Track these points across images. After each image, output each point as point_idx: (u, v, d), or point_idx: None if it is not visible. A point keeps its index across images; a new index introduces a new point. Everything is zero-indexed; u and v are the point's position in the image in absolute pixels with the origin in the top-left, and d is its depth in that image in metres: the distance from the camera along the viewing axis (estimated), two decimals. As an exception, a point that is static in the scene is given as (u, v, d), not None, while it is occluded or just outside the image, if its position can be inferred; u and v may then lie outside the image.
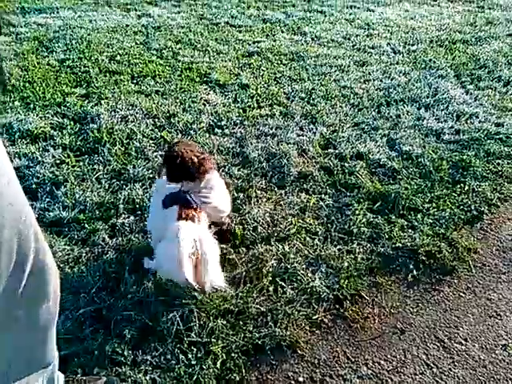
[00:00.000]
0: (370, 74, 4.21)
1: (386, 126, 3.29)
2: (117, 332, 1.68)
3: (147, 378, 1.55)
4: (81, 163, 2.71)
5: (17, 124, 3.02)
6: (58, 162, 2.72)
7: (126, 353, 1.62)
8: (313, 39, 5.08)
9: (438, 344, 1.75)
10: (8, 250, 0.93)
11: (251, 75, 4.08)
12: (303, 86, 3.91)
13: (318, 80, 4.05)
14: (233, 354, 1.65)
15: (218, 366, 1.60)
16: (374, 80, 4.07)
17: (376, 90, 3.90)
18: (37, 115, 3.16)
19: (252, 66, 4.29)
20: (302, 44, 4.91)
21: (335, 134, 3.16)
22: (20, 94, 3.45)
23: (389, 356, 1.70)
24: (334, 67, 4.31)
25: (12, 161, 2.65)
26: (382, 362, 1.68)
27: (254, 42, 4.88)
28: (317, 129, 3.22)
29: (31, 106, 3.29)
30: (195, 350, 1.65)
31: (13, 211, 0.93)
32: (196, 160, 1.84)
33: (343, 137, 3.12)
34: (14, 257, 0.95)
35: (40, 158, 2.72)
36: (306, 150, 2.96)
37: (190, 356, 1.62)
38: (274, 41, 4.96)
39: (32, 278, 1.03)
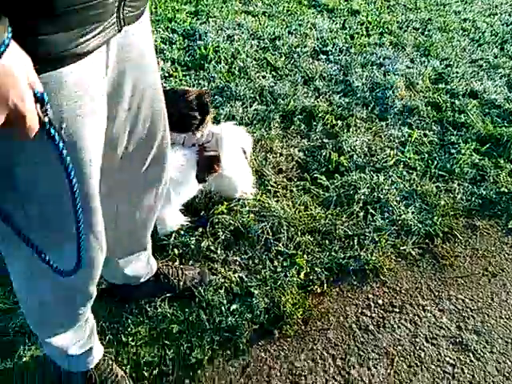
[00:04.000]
0: (497, 6, 3.79)
1: (508, 64, 2.99)
2: (212, 232, 1.81)
3: (236, 275, 1.67)
4: (187, 77, 2.80)
5: (131, 35, 3.16)
6: (166, 74, 2.84)
7: (218, 251, 1.75)
8: (437, -35, 4.62)
9: (532, 292, 1.68)
10: (142, 123, 1.02)
11: (363, 1, 3.85)
12: (419, 15, 3.63)
13: (436, 10, 3.73)
14: (316, 269, 1.71)
15: (302, 276, 1.68)
16: (500, 14, 3.66)
17: (502, 24, 3.52)
18: (149, 28, 3.28)
19: (365, -9, 4.03)
20: (424, -30, 4.49)
21: (449, 68, 2.94)
22: (135, 7, 3.58)
23: (475, 296, 1.67)
24: (456, -3, 3.93)
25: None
26: (467, 301, 1.65)
27: (370, -34, 4.54)
28: (429, 62, 3.01)
29: (145, 19, 3.41)
30: (281, 258, 1.73)
31: (152, 92, 1.01)
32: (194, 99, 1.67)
33: (457, 72, 2.89)
34: (145, 132, 1.05)
35: (150, 70, 2.85)
36: (415, 83, 2.79)
37: (276, 263, 1.71)
38: (393, -35, 4.58)
39: (154, 161, 1.12)
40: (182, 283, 1.60)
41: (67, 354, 1.25)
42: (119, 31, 0.81)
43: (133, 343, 1.48)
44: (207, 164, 1.76)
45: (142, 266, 1.49)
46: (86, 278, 1.08)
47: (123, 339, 1.48)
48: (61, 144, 0.70)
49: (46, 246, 0.85)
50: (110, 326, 1.51)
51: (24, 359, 1.42)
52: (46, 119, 0.67)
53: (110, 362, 1.37)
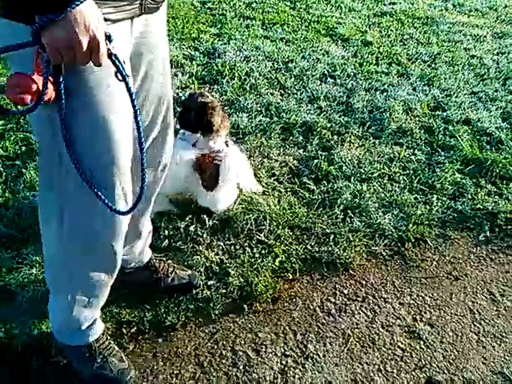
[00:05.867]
0: (506, 46, 3.96)
1: (506, 98, 3.14)
2: (201, 220, 2.01)
3: (217, 257, 1.85)
4: (202, 89, 3.06)
5: (157, 50, 3.47)
6: (183, 86, 3.11)
7: (204, 235, 1.94)
8: (454, 6, 4.85)
9: (488, 296, 1.79)
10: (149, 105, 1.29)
11: (378, 34, 4.10)
12: (429, 49, 3.83)
13: (447, 46, 3.93)
14: (291, 258, 1.88)
15: (277, 263, 1.84)
16: (508, 53, 3.82)
17: (508, 62, 3.67)
18: (173, 45, 3.58)
19: (381, 25, 4.28)
20: (441, 10, 4.73)
21: (448, 98, 3.11)
22: (164, 26, 3.92)
23: (435, 294, 1.80)
24: (468, 36, 4.13)
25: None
26: (427, 298, 1.78)
27: (390, 3, 4.82)
28: (430, 91, 3.19)
29: (170, 37, 3.73)
30: (260, 247, 1.91)
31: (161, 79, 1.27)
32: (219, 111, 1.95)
33: (456, 102, 3.06)
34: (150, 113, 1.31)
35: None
36: (413, 108, 2.97)
37: (255, 250, 1.89)
38: (412, 4, 4.84)
39: (154, 142, 1.36)
40: (169, 280, 1.69)
41: (72, 326, 1.38)
42: (140, 15, 1.09)
43: (116, 304, 1.66)
44: (215, 173, 1.96)
45: (132, 256, 1.61)
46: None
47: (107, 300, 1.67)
48: (124, 73, 0.98)
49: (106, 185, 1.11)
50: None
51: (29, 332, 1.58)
52: (114, 51, 0.94)
53: (108, 337, 1.51)
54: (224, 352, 1.56)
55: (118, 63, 0.96)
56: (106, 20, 0.94)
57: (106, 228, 1.22)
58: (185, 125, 1.97)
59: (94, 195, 1.10)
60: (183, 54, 3.49)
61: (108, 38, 0.92)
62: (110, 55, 0.94)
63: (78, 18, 0.84)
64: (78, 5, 0.83)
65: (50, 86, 0.92)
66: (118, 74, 0.98)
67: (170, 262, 1.78)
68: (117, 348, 1.49)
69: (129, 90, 1.01)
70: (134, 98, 1.02)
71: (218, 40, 3.75)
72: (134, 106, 1.04)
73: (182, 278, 1.72)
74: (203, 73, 3.26)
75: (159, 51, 1.24)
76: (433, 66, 3.58)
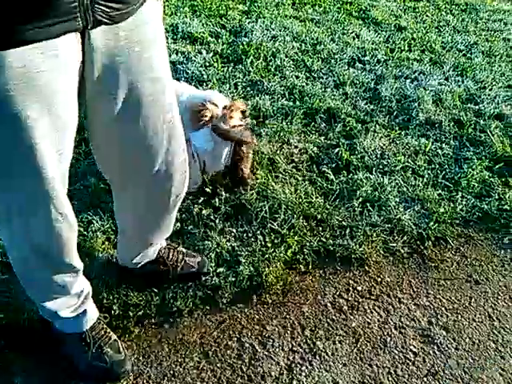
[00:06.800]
0: (549, 38, 3.74)
1: (544, 93, 2.97)
2: (214, 204, 1.96)
3: (228, 244, 1.81)
4: (225, 69, 2.98)
5: (182, 26, 3.39)
6: (206, 64, 3.03)
7: (217, 221, 1.89)
8: (496, -8, 4.60)
9: (510, 303, 1.71)
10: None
11: (412, 19, 3.92)
12: (465, 38, 3.65)
13: (485, 35, 3.74)
14: (304, 250, 1.82)
15: (289, 254, 1.79)
16: (551, 45, 3.62)
17: (550, 56, 3.48)
18: (200, 22, 3.50)
19: (417, 10, 4.10)
20: (482, -4, 4.49)
21: (482, 90, 2.96)
22: (191, 1, 3.82)
23: (453, 298, 1.72)
24: (509, 25, 3.92)
25: (170, 55, 3.03)
26: (444, 300, 1.71)
27: (427, -13, 4.60)
28: (463, 82, 3.04)
29: (197, 13, 3.65)
30: (273, 236, 1.85)
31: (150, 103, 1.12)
32: None
33: (489, 95, 2.91)
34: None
35: (194, 58, 3.05)
36: (443, 99, 2.84)
37: (267, 239, 1.84)
38: (451, -12, 4.61)
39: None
40: (178, 269, 1.65)
41: (61, 316, 1.35)
42: (86, 28, 0.92)
43: (124, 286, 1.64)
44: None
45: (143, 257, 1.59)
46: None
47: (115, 282, 1.65)
48: None
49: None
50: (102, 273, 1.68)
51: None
52: None
53: (105, 326, 1.47)
54: (230, 343, 1.52)
55: None
56: (23, 43, 0.84)
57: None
58: None
59: None
60: (209, 31, 3.40)
61: None
62: None
63: None
64: None
65: None
66: None
67: (179, 248, 1.72)
68: (114, 337, 1.45)
69: None
70: None
71: (246, 18, 3.64)
72: None
73: (191, 266, 1.67)
74: (228, 51, 3.17)
75: (143, 67, 1.06)
76: (468, 55, 3.41)
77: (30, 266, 1.23)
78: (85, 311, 1.40)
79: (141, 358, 1.46)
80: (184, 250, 1.72)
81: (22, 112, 0.91)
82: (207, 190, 2.00)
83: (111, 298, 1.60)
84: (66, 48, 0.92)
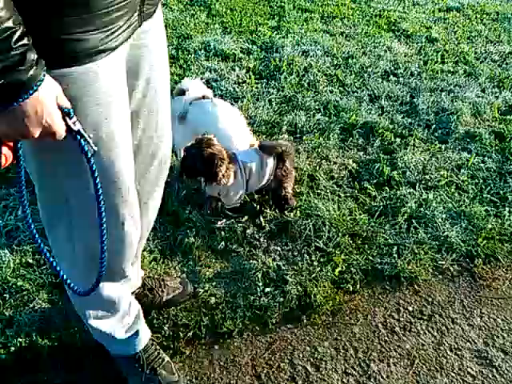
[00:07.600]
0: None
1: None
2: (257, 223, 1.95)
3: (274, 263, 1.79)
4: (259, 85, 2.99)
5: (214, 43, 3.43)
6: (240, 81, 3.05)
7: (261, 239, 1.89)
8: (528, 0, 4.54)
9: None
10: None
11: (443, 30, 3.88)
12: (499, 48, 3.60)
13: (519, 45, 3.67)
14: (352, 269, 1.79)
15: (336, 273, 1.76)
16: None
17: None
18: (231, 38, 3.53)
19: (447, 21, 4.06)
20: (513, 4, 4.43)
21: (521, 101, 2.90)
22: (221, 18, 3.86)
23: (508, 317, 1.67)
24: (543, 34, 3.85)
25: (204, 73, 3.06)
26: (499, 320, 1.65)
27: (457, -3, 4.56)
28: (501, 93, 2.99)
29: (228, 30, 3.68)
30: (319, 254, 1.83)
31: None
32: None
33: (529, 106, 2.85)
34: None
35: (226, 75, 3.08)
36: (482, 111, 2.79)
37: (313, 258, 1.82)
38: (481, -2, 4.57)
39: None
40: (165, 295, 1.61)
41: (114, 337, 1.33)
42: (140, 26, 0.96)
43: (174, 307, 1.64)
44: None
45: (134, 276, 1.49)
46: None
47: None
48: (89, 153, 0.89)
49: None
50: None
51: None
52: (75, 128, 0.86)
53: (158, 347, 1.46)
54: (282, 365, 1.50)
55: (80, 139, 0.87)
56: (102, 51, 0.86)
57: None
58: (189, 172, 1.88)
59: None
60: (241, 47, 3.43)
61: (68, 114, 0.84)
62: (71, 131, 0.86)
63: (29, 110, 0.77)
64: (27, 97, 0.76)
65: (5, 150, 0.86)
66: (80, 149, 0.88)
67: (156, 276, 1.69)
68: (167, 358, 1.44)
69: (91, 167, 0.91)
70: (96, 175, 0.92)
71: (277, 33, 3.66)
72: (95, 185, 0.93)
73: (176, 288, 1.64)
74: (260, 67, 3.18)
75: (159, 59, 1.10)
76: (503, 66, 3.35)
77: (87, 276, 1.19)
78: (137, 332, 1.39)
79: (194, 379, 1.45)
80: (162, 277, 1.68)
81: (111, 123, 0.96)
82: (255, 205, 2.00)
83: (161, 318, 1.60)
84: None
